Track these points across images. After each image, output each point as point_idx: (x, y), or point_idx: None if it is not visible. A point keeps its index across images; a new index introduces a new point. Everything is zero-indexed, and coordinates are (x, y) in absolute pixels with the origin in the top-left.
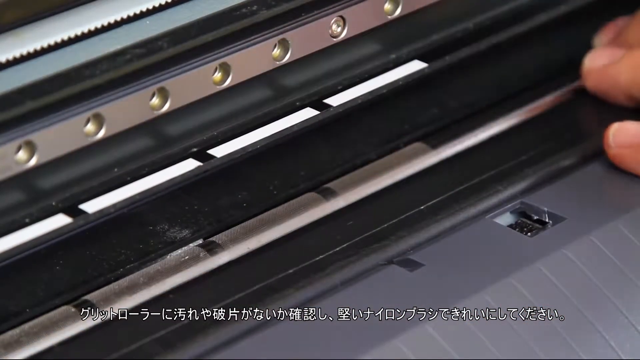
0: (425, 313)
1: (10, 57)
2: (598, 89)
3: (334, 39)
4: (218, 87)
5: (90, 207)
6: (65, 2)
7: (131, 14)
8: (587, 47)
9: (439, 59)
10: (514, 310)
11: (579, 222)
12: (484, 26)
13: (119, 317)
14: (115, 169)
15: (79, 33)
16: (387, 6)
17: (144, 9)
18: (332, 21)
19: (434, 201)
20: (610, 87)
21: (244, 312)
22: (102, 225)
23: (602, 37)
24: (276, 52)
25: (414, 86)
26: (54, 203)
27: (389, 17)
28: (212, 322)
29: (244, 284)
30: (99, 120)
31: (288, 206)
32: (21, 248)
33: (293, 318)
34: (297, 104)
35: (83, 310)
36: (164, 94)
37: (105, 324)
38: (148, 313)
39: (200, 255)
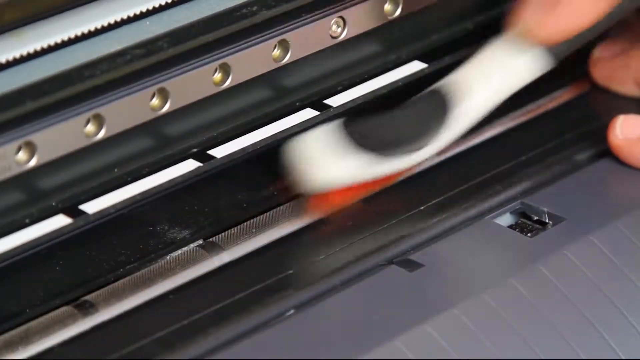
0: (425, 313)
1: (10, 57)
2: (606, 77)
3: (334, 40)
4: (218, 87)
5: (90, 207)
6: (65, 2)
7: (131, 15)
8: (587, 46)
9: (439, 59)
10: (514, 310)
11: (579, 222)
12: (484, 26)
13: (119, 317)
14: (116, 170)
15: (79, 33)
16: (387, 7)
17: (144, 10)
18: (332, 22)
19: (434, 201)
20: (620, 74)
21: (243, 312)
22: (102, 226)
23: (601, 50)
24: (276, 52)
25: (414, 86)
26: (54, 203)
27: (389, 17)
28: (212, 322)
29: (243, 284)
30: (99, 120)
31: (288, 206)
32: (21, 248)
33: (293, 318)
34: (297, 104)
35: (83, 310)
36: (164, 95)
37: (105, 324)
38: (148, 313)
39: (200, 255)
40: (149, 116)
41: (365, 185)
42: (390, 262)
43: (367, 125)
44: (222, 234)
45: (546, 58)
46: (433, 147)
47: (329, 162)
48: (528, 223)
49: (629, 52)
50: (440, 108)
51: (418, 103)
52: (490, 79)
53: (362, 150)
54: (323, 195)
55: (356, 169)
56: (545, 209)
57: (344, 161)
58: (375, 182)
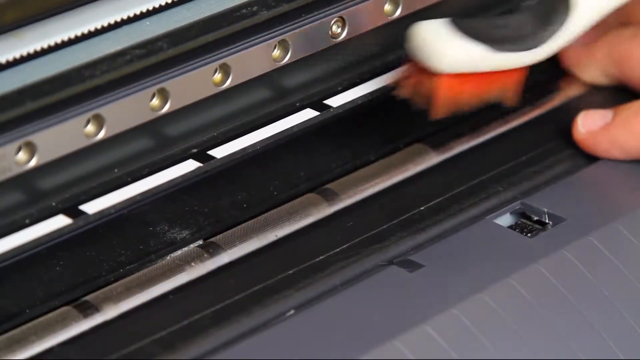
0: (425, 313)
1: (10, 57)
2: (573, 64)
3: (334, 40)
4: (218, 88)
5: (91, 207)
6: (65, 2)
7: (131, 15)
8: None
9: None
10: (514, 310)
11: (578, 222)
12: None
13: (119, 318)
14: (116, 170)
15: (79, 33)
16: (387, 7)
17: (144, 10)
18: (332, 22)
19: (434, 202)
20: (585, 62)
21: (243, 312)
22: (102, 226)
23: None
24: (276, 53)
25: None
26: (54, 204)
27: (389, 17)
28: (212, 323)
29: (243, 284)
30: (99, 121)
31: (288, 207)
32: (21, 249)
33: (293, 318)
34: (297, 104)
35: (83, 310)
36: (164, 95)
37: (105, 324)
38: (148, 314)
39: (200, 256)
40: (149, 116)
41: (482, 79)
42: (390, 262)
43: (480, 22)
44: (222, 234)
45: None
46: (548, 47)
47: (449, 44)
48: (528, 223)
49: (596, 43)
50: (557, 9)
51: (535, 6)
52: None
53: (474, 41)
54: (444, 80)
55: (472, 56)
56: (545, 209)
57: (460, 46)
58: (490, 78)
